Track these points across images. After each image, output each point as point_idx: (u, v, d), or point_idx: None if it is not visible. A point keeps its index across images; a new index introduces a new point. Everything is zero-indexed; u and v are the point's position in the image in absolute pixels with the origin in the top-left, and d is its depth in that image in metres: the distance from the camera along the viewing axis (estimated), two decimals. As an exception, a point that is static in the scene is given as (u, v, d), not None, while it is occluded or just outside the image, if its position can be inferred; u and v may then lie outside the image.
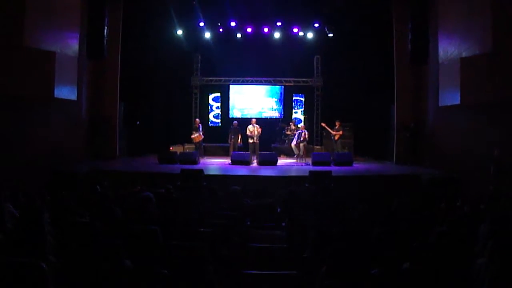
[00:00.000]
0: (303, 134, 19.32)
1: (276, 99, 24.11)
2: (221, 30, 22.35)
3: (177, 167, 15.57)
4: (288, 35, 22.50)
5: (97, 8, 17.91)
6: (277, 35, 22.38)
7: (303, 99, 24.28)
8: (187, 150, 20.60)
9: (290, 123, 22.13)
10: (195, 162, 17.92)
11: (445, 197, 8.75)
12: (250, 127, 19.42)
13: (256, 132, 19.24)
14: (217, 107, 24.41)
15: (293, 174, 16.30)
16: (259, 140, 19.39)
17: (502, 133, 13.35)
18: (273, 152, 19.99)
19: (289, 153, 20.75)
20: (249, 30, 22.25)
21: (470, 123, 15.13)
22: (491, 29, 13.45)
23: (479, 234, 5.48)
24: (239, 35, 22.54)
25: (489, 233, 5.16)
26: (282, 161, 19.38)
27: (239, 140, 20.19)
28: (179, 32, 22.17)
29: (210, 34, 22.46)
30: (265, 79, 23.56)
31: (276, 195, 10.86)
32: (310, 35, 22.52)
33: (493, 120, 13.85)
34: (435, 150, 17.38)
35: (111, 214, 7.04)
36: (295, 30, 22.37)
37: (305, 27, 22.38)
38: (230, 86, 23.90)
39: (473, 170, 13.75)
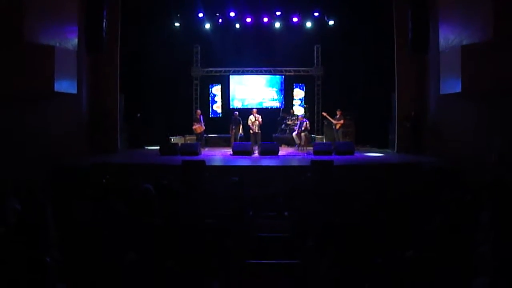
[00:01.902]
0: (304, 123, 19.33)
1: (276, 89, 24.10)
2: (220, 20, 22.35)
3: (178, 159, 15.58)
4: (287, 24, 22.49)
5: (96, 1, 17.84)
6: (277, 25, 22.40)
7: (303, 89, 24.25)
8: (188, 142, 20.62)
9: (298, 115, 22.03)
10: (197, 153, 17.93)
11: (446, 186, 8.74)
12: (251, 117, 19.42)
13: (257, 122, 19.23)
14: (218, 98, 24.39)
15: (294, 164, 16.29)
16: (260, 130, 19.39)
17: (503, 121, 13.34)
18: (274, 142, 20.00)
19: (291, 143, 20.78)
20: (248, 20, 22.23)
21: (471, 111, 15.11)
22: (492, 17, 13.39)
23: (481, 222, 5.49)
24: (238, 26, 22.52)
25: (491, 222, 5.17)
26: (283, 151, 19.39)
27: (240, 131, 20.21)
28: (178, 23, 22.14)
29: (210, 25, 22.47)
30: (265, 69, 23.56)
31: (278, 185, 10.88)
32: (309, 24, 22.51)
33: (494, 108, 13.83)
34: (436, 138, 17.37)
35: (114, 207, 7.05)
36: (295, 19, 22.36)
37: (305, 16, 22.36)
38: (231, 76, 23.91)
39: (474, 158, 13.75)
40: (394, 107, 19.55)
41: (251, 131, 19.39)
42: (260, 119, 19.36)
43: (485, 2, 13.70)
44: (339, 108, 19.90)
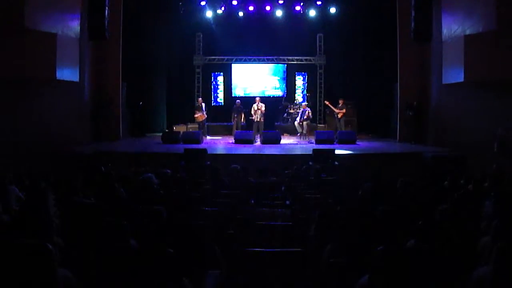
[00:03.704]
0: (306, 112, 19.29)
1: (279, 78, 24.06)
2: (223, 9, 22.25)
3: (180, 147, 15.59)
4: (290, 13, 22.40)
5: (98, -11, 17.77)
6: (279, 13, 22.28)
7: (305, 78, 24.25)
8: (190, 130, 20.62)
9: (301, 103, 21.98)
10: (199, 141, 17.92)
11: (448, 175, 8.74)
12: (254, 105, 19.37)
13: (259, 111, 19.18)
14: (220, 86, 24.37)
15: (296, 152, 16.29)
16: (263, 119, 19.34)
17: (506, 111, 13.32)
18: (277, 130, 19.97)
19: (292, 132, 20.75)
20: (251, 8, 22.12)
21: (473, 101, 15.08)
22: (495, 6, 13.35)
23: (484, 212, 5.49)
24: (241, 14, 22.44)
25: (494, 211, 5.17)
26: (285, 139, 19.37)
27: (242, 119, 20.18)
28: (181, 11, 22.08)
29: (212, 13, 22.37)
30: (268, 57, 23.50)
31: (280, 173, 10.88)
32: (312, 12, 22.42)
33: (497, 98, 13.81)
34: (438, 128, 17.35)
35: (116, 195, 7.06)
36: (298, 8, 22.26)
37: (308, 5, 22.27)
38: (233, 65, 23.85)
39: (477, 148, 13.74)
40: (397, 96, 19.52)
41: (253, 119, 19.36)
42: (263, 108, 19.30)
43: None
44: (341, 97, 19.85)
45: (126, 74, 19.61)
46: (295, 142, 18.94)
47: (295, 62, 23.64)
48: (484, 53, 13.93)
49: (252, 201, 8.13)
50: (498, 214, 4.86)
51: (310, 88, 23.96)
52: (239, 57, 23.54)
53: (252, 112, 19.25)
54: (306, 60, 23.49)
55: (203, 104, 20.48)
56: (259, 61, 23.68)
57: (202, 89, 23.79)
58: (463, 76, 14.72)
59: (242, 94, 23.56)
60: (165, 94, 23.15)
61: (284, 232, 6.19)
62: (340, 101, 19.67)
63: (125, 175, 9.59)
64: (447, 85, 16.21)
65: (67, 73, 15.61)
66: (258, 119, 19.17)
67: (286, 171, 11.35)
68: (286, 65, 23.91)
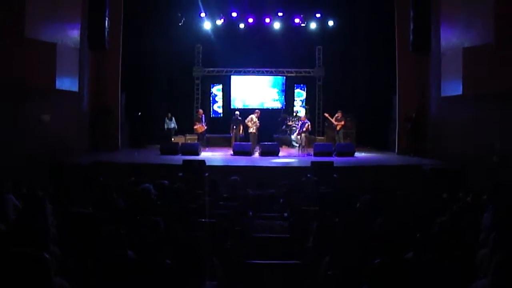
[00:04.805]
0: (306, 125, 19.28)
1: (278, 90, 24.08)
2: (222, 20, 22.30)
3: (179, 158, 15.57)
4: (289, 25, 22.48)
5: (98, -1, 17.84)
6: (278, 25, 22.35)
7: (304, 90, 24.27)
8: (189, 141, 20.60)
9: (300, 115, 21.98)
10: (197, 153, 17.90)
11: (447, 188, 8.75)
12: (253, 116, 19.35)
13: (254, 124, 19.15)
14: (219, 98, 24.38)
15: (295, 164, 16.27)
16: (257, 132, 19.32)
17: (504, 124, 13.33)
18: (275, 142, 19.95)
19: (291, 144, 20.76)
20: (250, 20, 22.19)
21: (472, 114, 15.09)
22: (493, 19, 13.42)
23: (483, 224, 5.49)
24: (241, 26, 22.50)
25: (493, 224, 5.16)
26: (284, 152, 19.36)
27: (241, 131, 20.16)
28: (180, 23, 22.13)
29: (211, 25, 22.43)
30: (267, 69, 23.53)
31: (278, 185, 10.86)
32: (312, 25, 22.52)
33: (495, 111, 13.82)
34: (437, 140, 17.35)
35: (114, 205, 7.05)
36: (297, 20, 22.35)
37: (307, 17, 22.36)
38: (232, 77, 23.87)
39: (475, 161, 13.74)
40: (395, 109, 19.54)
41: (249, 131, 19.35)
42: (258, 122, 19.27)
43: (486, 4, 13.72)
44: (340, 109, 19.86)
45: (126, 84, 19.63)
46: (294, 154, 18.93)
47: (294, 74, 23.67)
48: (482, 66, 13.98)
49: (250, 213, 8.11)
50: (496, 227, 4.85)
51: (309, 100, 23.98)
52: (238, 69, 23.56)
53: (247, 121, 19.26)
54: (305, 72, 23.53)
55: (203, 116, 20.50)
56: (258, 73, 23.70)
57: (202, 101, 23.80)
58: (461, 89, 14.76)
59: (241, 106, 23.55)
60: (165, 105, 23.14)
61: (282, 244, 6.17)
62: (339, 113, 19.64)
63: (123, 185, 9.59)
64: (446, 97, 16.23)
65: (67, 83, 15.63)
66: (253, 131, 19.17)
67: (284, 183, 11.33)
68: (285, 77, 23.93)
